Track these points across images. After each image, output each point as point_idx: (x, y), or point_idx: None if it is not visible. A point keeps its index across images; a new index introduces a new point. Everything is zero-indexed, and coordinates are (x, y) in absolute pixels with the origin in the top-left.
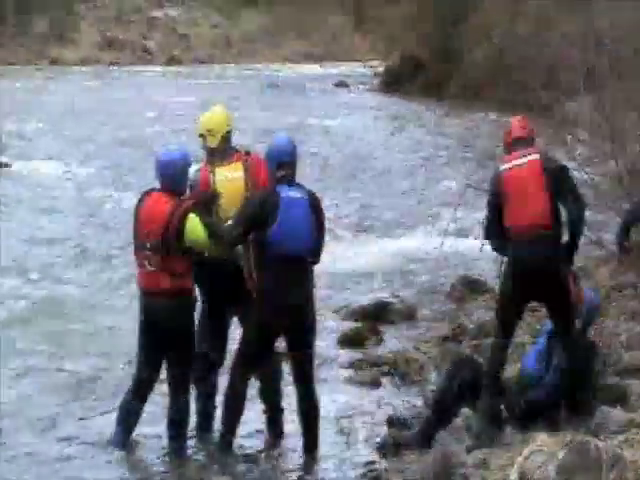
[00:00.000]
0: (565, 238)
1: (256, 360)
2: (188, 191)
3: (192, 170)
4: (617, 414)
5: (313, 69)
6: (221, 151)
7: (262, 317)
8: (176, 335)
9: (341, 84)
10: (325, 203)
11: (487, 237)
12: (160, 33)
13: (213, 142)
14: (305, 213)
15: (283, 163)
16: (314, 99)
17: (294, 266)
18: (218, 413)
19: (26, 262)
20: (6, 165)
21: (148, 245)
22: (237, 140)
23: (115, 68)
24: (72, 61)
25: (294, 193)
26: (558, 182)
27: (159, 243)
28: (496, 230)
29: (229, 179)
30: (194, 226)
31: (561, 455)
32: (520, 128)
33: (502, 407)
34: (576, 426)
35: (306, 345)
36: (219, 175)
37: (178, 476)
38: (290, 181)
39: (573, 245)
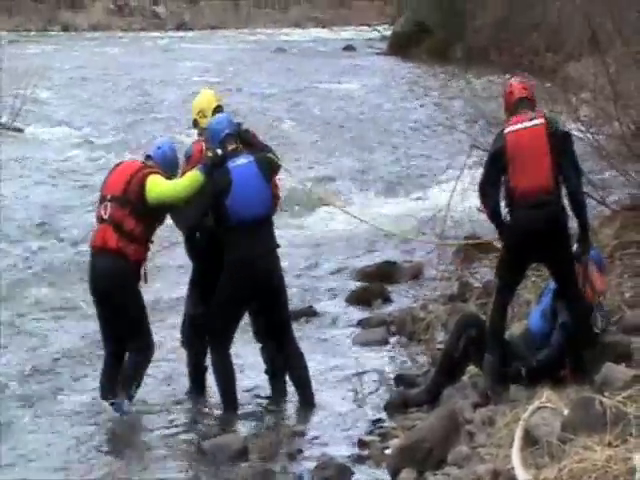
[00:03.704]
0: (569, 212)
1: (231, 329)
2: (184, 161)
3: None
4: (621, 371)
5: (321, 33)
6: None
7: (234, 286)
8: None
9: (349, 48)
10: (332, 165)
11: (483, 199)
12: None
13: (205, 122)
14: (255, 173)
15: (226, 137)
16: (321, 63)
17: (257, 229)
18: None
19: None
20: (19, 129)
21: (109, 197)
22: (244, 103)
23: (125, 34)
24: (83, 27)
25: (241, 160)
26: (561, 149)
27: (119, 195)
28: (492, 192)
29: None
30: (155, 182)
31: (566, 411)
32: (522, 89)
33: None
34: (581, 383)
35: (282, 304)
36: None
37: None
38: (238, 151)
39: (584, 223)
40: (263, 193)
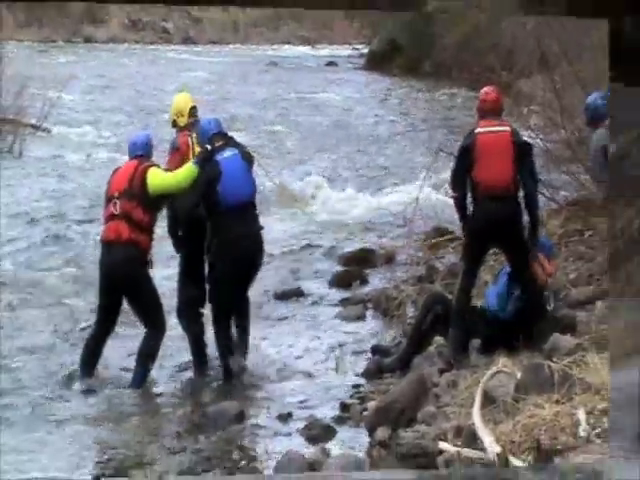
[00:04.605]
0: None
1: (230, 302)
2: (170, 151)
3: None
4: (567, 340)
5: (307, 50)
6: (192, 124)
7: (228, 263)
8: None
9: (331, 63)
10: (316, 165)
11: (453, 188)
12: (177, 16)
13: (183, 121)
14: (240, 164)
15: (214, 135)
16: (308, 76)
17: (243, 212)
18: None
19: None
20: (47, 130)
21: (116, 194)
22: (241, 110)
23: (138, 47)
24: (102, 40)
25: (227, 153)
26: (522, 156)
27: (126, 190)
28: (461, 182)
29: None
30: (156, 173)
31: (519, 375)
32: (493, 98)
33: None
34: (532, 350)
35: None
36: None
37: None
38: (225, 146)
39: (535, 221)
40: (247, 180)
